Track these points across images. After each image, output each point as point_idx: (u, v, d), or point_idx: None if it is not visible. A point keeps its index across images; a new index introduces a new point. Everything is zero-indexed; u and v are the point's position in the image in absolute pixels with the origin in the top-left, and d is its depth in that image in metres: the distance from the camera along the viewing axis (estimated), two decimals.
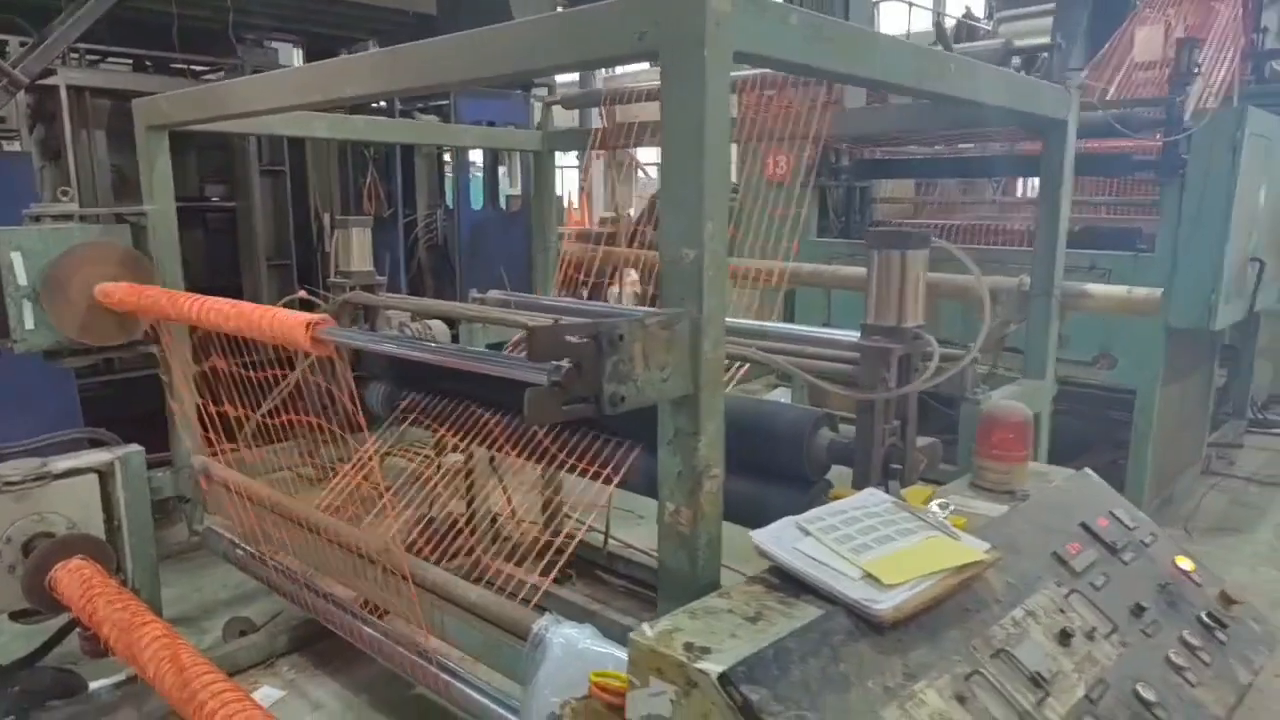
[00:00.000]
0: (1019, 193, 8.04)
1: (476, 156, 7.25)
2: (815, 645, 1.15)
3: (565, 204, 17.15)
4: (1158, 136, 4.13)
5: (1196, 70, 4.18)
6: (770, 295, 3.77)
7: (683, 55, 1.24)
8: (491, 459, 3.18)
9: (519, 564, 2.88)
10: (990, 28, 11.69)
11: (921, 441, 2.04)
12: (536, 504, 3.45)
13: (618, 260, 3.97)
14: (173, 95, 2.68)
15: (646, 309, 1.53)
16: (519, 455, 2.38)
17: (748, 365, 2.09)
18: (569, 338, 1.14)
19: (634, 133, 3.28)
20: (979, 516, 1.59)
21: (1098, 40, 6.78)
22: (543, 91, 5.00)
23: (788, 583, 1.30)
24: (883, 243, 1.80)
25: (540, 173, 3.87)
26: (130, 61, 5.40)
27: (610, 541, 3.50)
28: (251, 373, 2.40)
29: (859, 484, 1.80)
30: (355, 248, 3.18)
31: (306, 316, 1.67)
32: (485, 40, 1.46)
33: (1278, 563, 4.00)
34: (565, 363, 1.14)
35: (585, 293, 5.53)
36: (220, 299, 2.15)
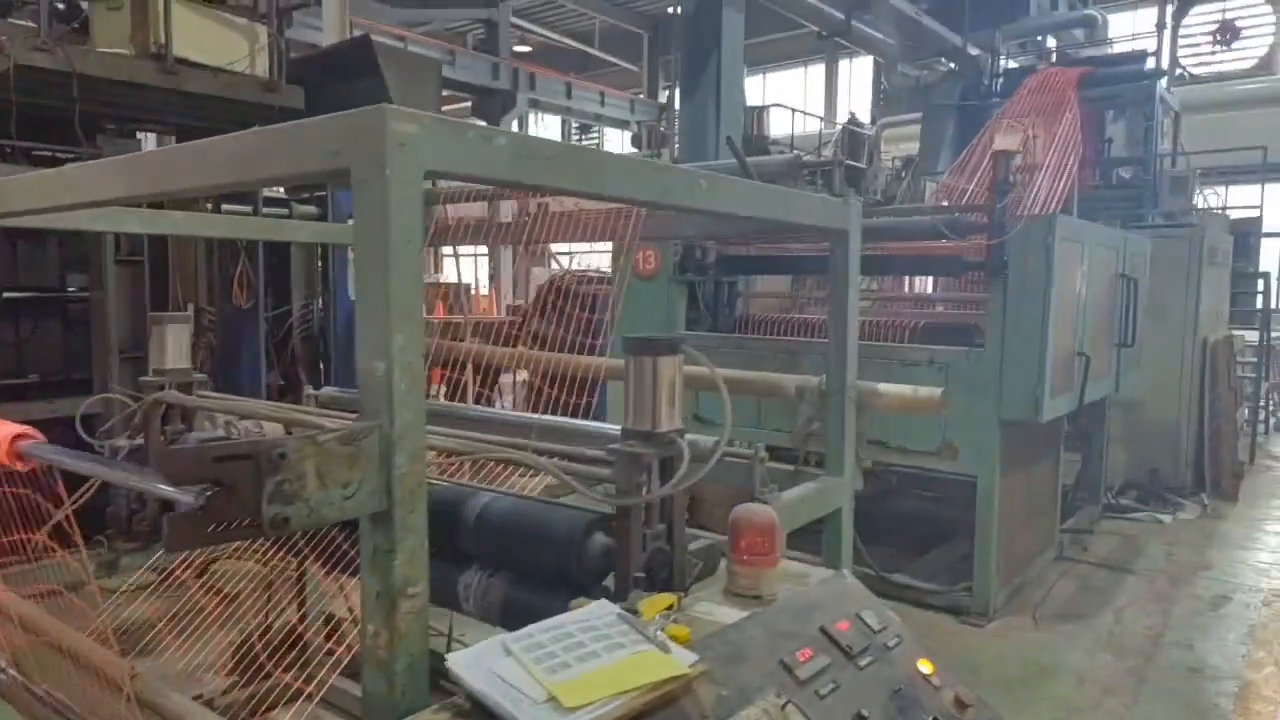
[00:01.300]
0: (893, 287, 8.44)
1: None
2: None
3: (473, 291, 17.17)
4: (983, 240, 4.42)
5: (1013, 180, 4.52)
6: None
7: (368, 173, 1.26)
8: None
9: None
10: (873, 133, 12.47)
11: (699, 543, 2.05)
12: None
13: (489, 358, 3.96)
14: None
15: (339, 425, 1.50)
16: (320, 564, 2.30)
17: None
18: (217, 458, 1.10)
19: (459, 230, 3.32)
20: (712, 624, 1.59)
21: (961, 147, 7.30)
22: None
23: (477, 709, 1.25)
24: (636, 349, 1.83)
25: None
26: None
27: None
28: None
29: (619, 592, 1.78)
30: (170, 345, 3.08)
31: (13, 429, 1.59)
32: (200, 152, 1.46)
33: (1114, 648, 4.12)
34: (210, 486, 1.10)
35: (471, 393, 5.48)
36: None
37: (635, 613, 1.55)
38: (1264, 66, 16.07)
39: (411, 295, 1.29)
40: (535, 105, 19.42)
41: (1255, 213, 12.93)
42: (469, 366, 6.00)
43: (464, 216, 4.03)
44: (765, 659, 1.52)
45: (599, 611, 1.49)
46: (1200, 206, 9.73)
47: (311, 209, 6.53)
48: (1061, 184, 5.88)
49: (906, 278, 8.24)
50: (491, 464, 2.27)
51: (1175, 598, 4.79)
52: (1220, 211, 11.28)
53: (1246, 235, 10.14)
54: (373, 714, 1.34)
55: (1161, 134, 9.67)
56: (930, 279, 8.28)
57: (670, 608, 1.63)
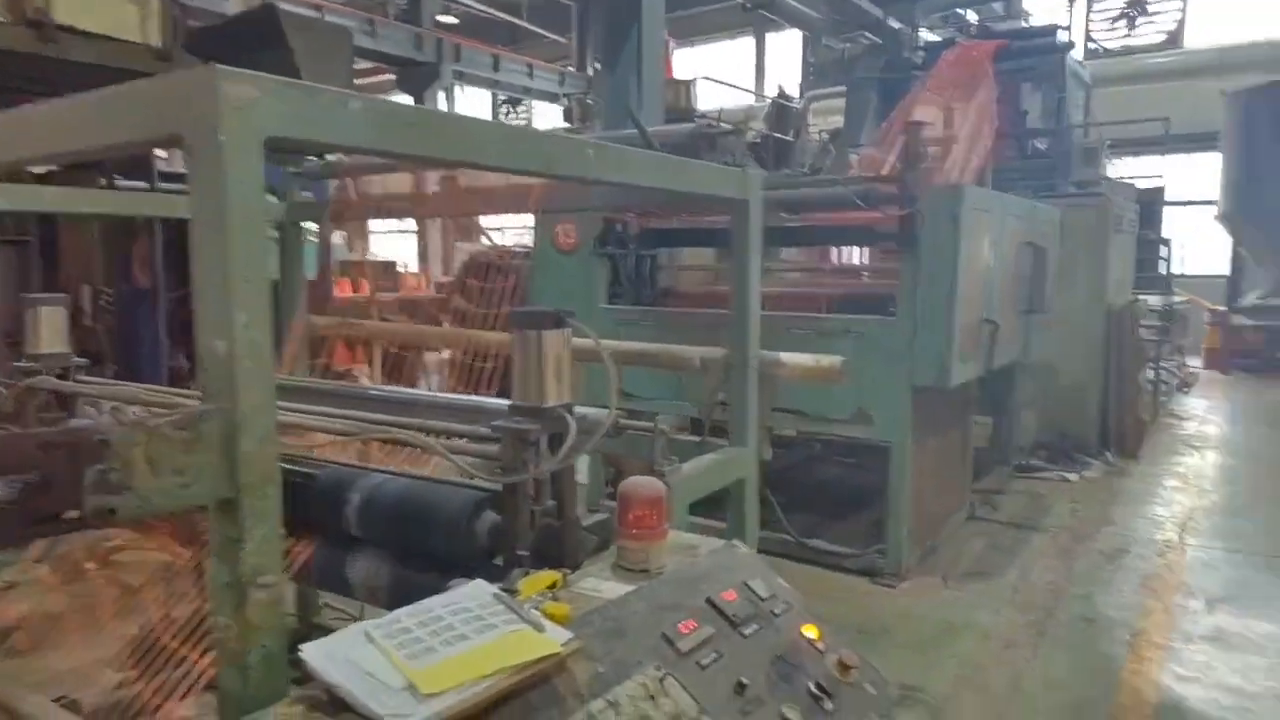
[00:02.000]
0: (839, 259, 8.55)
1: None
2: None
3: (402, 268, 16.75)
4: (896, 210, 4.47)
5: (925, 151, 4.58)
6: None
7: (202, 139, 1.18)
8: None
9: None
10: (801, 106, 12.54)
11: (595, 518, 2.03)
12: None
13: (376, 336, 3.85)
14: None
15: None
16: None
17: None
18: (39, 445, 1.03)
19: (361, 205, 3.21)
20: (596, 599, 1.57)
21: (884, 119, 7.37)
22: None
23: (334, 700, 1.21)
24: (521, 323, 1.79)
25: (286, 245, 3.72)
26: None
27: None
28: None
29: (508, 571, 1.75)
30: (45, 328, 2.91)
31: None
32: (22, 119, 1.36)
33: (1018, 604, 4.28)
34: (32, 476, 1.03)
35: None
36: None
37: (514, 592, 1.52)
38: (1172, 41, 16.66)
39: (254, 270, 1.22)
40: (461, 78, 18.97)
41: (1159, 182, 13.48)
42: (375, 346, 5.87)
43: (368, 192, 3.91)
44: (647, 632, 1.51)
45: (474, 593, 1.45)
46: (1108, 177, 10.06)
47: None
48: (977, 154, 6.00)
49: (834, 249, 8.37)
50: (398, 445, 2.21)
51: (1077, 553, 5.00)
52: (1127, 181, 11.71)
53: (1151, 204, 10.54)
54: (227, 708, 1.29)
55: (1074, 106, 9.93)
56: (859, 251, 8.42)
57: (554, 585, 1.60)
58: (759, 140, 7.67)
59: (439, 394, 2.52)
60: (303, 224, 3.95)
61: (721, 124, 4.65)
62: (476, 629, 1.33)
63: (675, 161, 2.23)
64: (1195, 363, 12.37)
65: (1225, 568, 4.74)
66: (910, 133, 4.52)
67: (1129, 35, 16.86)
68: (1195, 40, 16.30)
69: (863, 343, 4.54)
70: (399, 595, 2.01)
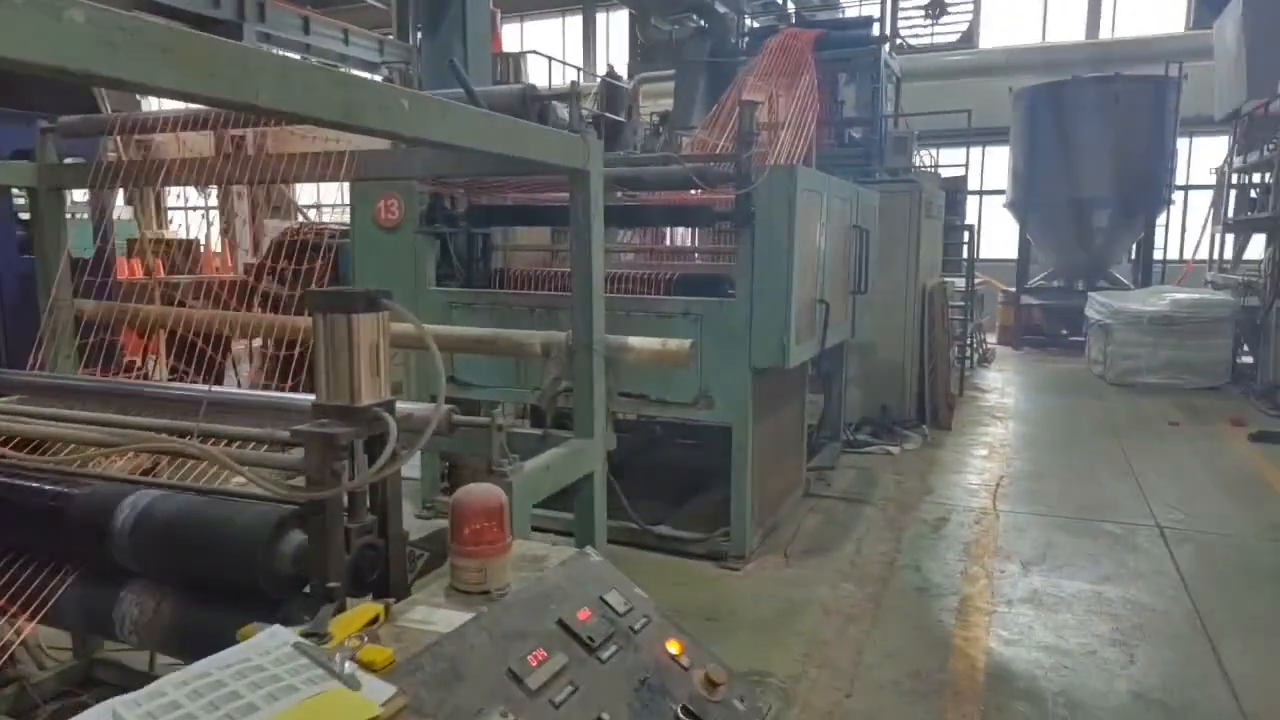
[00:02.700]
0: (656, 240, 8.45)
1: (80, 195, 5.97)
2: None
3: (203, 246, 15.27)
4: (731, 190, 4.42)
5: (758, 132, 4.55)
6: None
7: None
8: None
9: None
10: (631, 87, 12.44)
11: (429, 527, 1.76)
12: None
13: (159, 323, 3.31)
14: None
15: None
16: None
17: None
18: None
19: (164, 170, 2.72)
20: (427, 635, 1.32)
21: (713, 103, 7.36)
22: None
23: None
24: (324, 305, 1.49)
25: (41, 215, 3.11)
26: None
27: None
28: None
29: (312, 604, 1.46)
30: None
31: None
32: None
33: (855, 577, 4.37)
34: None
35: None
36: None
37: (322, 637, 1.24)
38: (966, 40, 18.00)
39: None
40: (268, 40, 17.45)
41: (961, 171, 14.55)
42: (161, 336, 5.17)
43: (159, 157, 3.36)
44: (489, 671, 1.28)
45: (268, 644, 1.16)
46: (918, 165, 10.68)
47: None
48: (801, 140, 6.10)
49: (668, 231, 8.33)
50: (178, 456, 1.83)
51: (905, 524, 5.21)
52: (934, 170, 12.52)
53: (955, 192, 11.31)
54: None
55: (886, 98, 10.44)
56: (690, 232, 8.43)
57: (374, 621, 1.34)
58: (590, 120, 7.48)
59: (236, 391, 2.15)
60: (66, 192, 3.35)
61: (578, 105, 4.39)
62: (270, 694, 1.05)
63: (508, 122, 1.98)
64: (992, 339, 13.48)
65: (1033, 530, 5.09)
66: (744, 111, 4.48)
67: (932, 32, 18.05)
68: (988, 41, 17.71)
69: (703, 324, 4.47)
70: (186, 638, 1.66)
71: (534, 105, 2.33)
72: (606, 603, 1.54)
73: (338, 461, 1.47)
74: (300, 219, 12.77)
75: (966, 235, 10.59)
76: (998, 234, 15.55)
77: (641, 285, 4.98)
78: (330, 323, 1.48)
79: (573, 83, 5.49)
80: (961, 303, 10.31)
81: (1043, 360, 12.58)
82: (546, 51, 14.38)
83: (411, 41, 19.03)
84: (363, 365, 1.49)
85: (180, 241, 15.38)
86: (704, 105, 10.75)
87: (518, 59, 12.04)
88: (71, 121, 3.07)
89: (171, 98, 1.16)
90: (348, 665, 1.13)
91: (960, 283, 10.46)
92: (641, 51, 15.47)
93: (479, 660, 1.29)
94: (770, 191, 4.29)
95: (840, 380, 6.90)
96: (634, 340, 2.48)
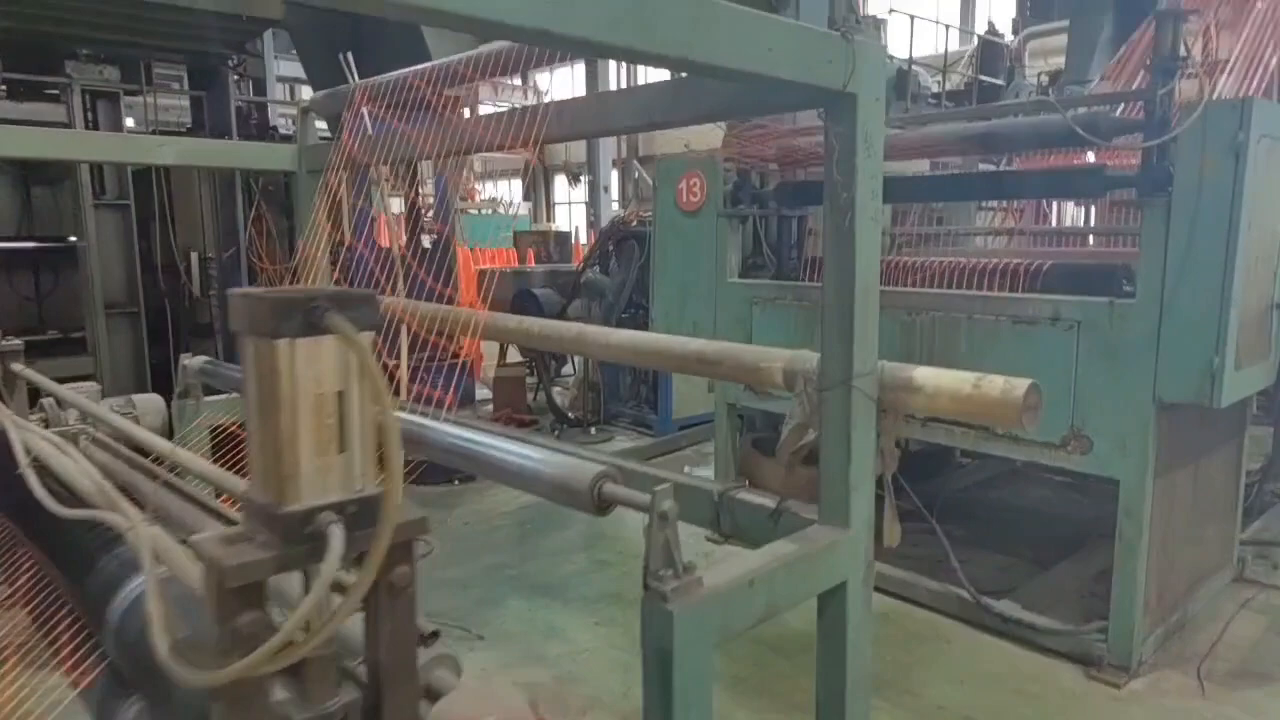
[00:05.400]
0: (1037, 220, 6.85)
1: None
2: None
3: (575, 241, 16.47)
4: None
5: (1184, 54, 3.11)
6: None
7: None
8: None
9: None
10: (1015, 45, 10.72)
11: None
12: None
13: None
14: None
15: None
16: None
17: None
18: None
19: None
20: None
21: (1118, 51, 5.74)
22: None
23: None
24: (246, 319, 0.83)
25: (299, 200, 2.98)
26: None
27: None
28: None
29: None
30: None
31: None
32: None
33: None
34: None
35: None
36: None
37: None
38: None
39: None
40: None
41: None
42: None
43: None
44: None
45: None
46: None
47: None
48: (1259, 77, 4.31)
49: (1052, 209, 6.69)
50: None
51: None
52: None
53: None
54: None
55: None
56: (1082, 210, 6.73)
57: None
58: (869, 17, 6.22)
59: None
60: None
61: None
62: None
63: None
64: None
65: None
66: (1163, 25, 3.09)
67: None
68: None
69: (1081, 335, 3.20)
70: None
71: None
72: None
73: (246, 614, 0.80)
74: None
75: None
76: None
77: (994, 279, 3.75)
78: (255, 352, 0.82)
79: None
80: None
81: None
82: (914, 9, 12.77)
83: None
84: (302, 431, 0.81)
85: (557, 233, 16.65)
86: (1104, 56, 8.74)
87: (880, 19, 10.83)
88: (319, 99, 2.87)
89: None
90: None
91: None
92: (1031, 3, 13.31)
93: None
94: (1203, 141, 2.88)
95: None
96: (924, 374, 1.51)
